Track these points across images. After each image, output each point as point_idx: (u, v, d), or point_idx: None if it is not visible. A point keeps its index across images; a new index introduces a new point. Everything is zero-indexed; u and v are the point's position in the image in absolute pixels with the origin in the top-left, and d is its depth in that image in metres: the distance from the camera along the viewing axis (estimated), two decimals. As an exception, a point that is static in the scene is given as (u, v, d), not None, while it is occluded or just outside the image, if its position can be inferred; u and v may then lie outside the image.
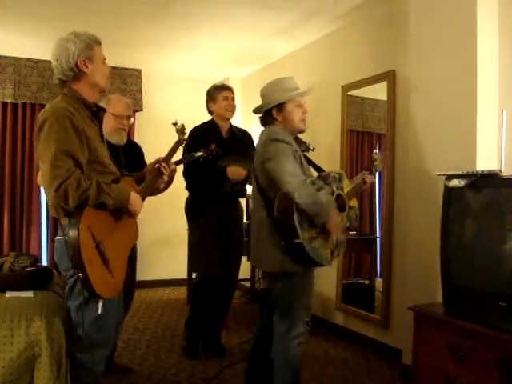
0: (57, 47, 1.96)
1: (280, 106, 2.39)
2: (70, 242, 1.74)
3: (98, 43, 2.03)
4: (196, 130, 3.44)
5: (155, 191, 2.38)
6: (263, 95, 2.49)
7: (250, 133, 3.69)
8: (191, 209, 3.49)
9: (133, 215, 1.98)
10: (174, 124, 2.71)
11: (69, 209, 1.79)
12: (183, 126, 2.67)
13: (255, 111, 2.54)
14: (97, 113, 2.08)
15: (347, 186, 2.53)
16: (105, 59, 2.06)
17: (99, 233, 1.82)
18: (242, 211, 3.65)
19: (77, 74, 1.95)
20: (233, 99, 3.46)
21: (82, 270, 1.72)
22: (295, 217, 2.19)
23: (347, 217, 2.47)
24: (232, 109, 3.45)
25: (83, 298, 1.89)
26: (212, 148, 3.00)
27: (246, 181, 3.38)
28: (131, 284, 3.06)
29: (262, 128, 2.52)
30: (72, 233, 1.74)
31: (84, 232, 1.75)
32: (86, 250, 1.74)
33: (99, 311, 1.85)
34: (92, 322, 1.92)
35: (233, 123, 3.56)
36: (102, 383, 2.74)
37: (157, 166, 2.26)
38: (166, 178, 2.28)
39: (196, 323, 3.42)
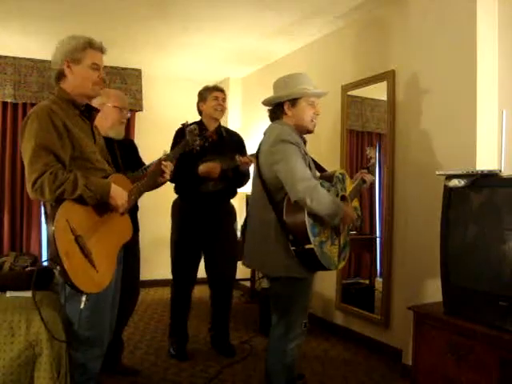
0: (54, 47, 1.98)
1: (293, 101, 2.32)
2: (48, 234, 1.77)
3: (94, 47, 1.99)
4: (182, 129, 3.41)
5: (154, 187, 2.33)
6: (277, 87, 2.40)
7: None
8: (174, 210, 3.49)
9: (116, 209, 1.95)
10: (185, 125, 2.65)
11: (51, 203, 1.81)
12: (196, 127, 2.60)
13: (265, 103, 2.44)
14: (87, 112, 2.06)
15: (349, 185, 2.52)
16: (96, 64, 1.98)
17: (79, 227, 1.81)
18: (234, 213, 3.56)
19: (61, 75, 1.97)
20: (223, 100, 3.44)
21: (59, 263, 1.72)
22: (307, 222, 2.14)
23: None
24: (221, 109, 3.42)
25: (64, 292, 1.91)
26: (207, 135, 2.89)
27: (229, 179, 3.30)
28: (135, 283, 3.06)
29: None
30: (49, 226, 1.77)
31: (60, 225, 1.76)
32: (61, 242, 1.74)
33: (82, 306, 1.84)
34: (83, 319, 1.93)
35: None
36: (103, 383, 2.76)
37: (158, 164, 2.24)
38: (167, 176, 2.26)
39: (178, 331, 3.42)
